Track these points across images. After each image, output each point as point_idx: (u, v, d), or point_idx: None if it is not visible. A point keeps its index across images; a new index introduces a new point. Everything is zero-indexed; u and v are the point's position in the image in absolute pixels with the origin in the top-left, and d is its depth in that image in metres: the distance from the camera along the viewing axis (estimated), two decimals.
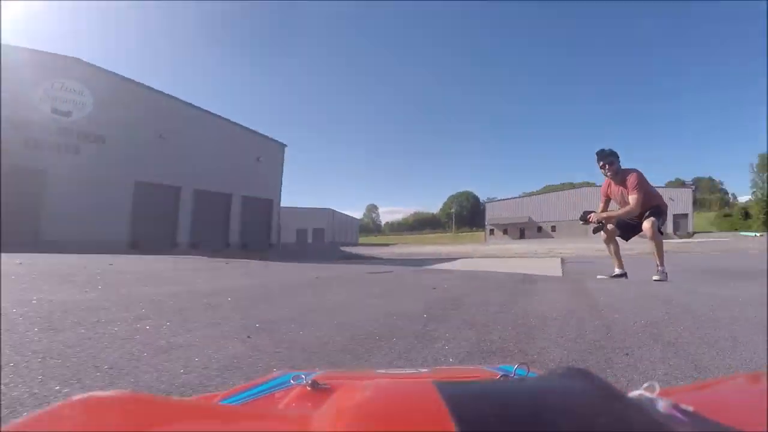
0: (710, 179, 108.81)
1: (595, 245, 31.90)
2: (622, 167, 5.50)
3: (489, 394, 0.35)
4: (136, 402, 0.45)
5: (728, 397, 0.53)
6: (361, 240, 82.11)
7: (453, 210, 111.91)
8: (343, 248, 32.22)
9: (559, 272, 8.66)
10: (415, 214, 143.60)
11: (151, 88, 21.99)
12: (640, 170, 5.41)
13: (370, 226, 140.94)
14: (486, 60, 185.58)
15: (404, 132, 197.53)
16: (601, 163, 5.45)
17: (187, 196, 22.85)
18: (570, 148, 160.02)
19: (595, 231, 5.64)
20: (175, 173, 21.81)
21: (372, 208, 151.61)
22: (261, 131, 29.10)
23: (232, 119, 26.66)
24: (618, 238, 5.72)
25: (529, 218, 59.93)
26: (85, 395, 0.43)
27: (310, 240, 58.37)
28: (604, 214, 5.57)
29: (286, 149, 30.45)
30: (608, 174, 5.47)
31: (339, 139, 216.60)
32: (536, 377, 0.49)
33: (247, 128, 27.59)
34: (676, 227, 53.05)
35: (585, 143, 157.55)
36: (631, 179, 5.29)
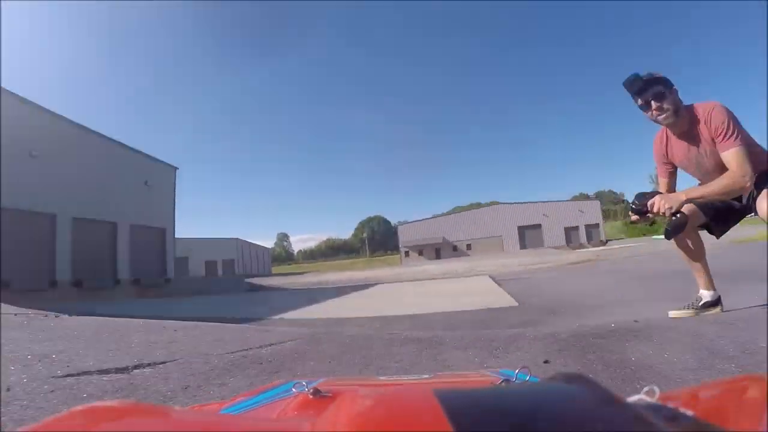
0: (611, 192, 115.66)
1: (514, 260, 31.42)
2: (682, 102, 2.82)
3: (488, 401, 0.36)
4: (137, 411, 0.48)
5: (728, 400, 0.52)
6: (275, 270, 78.34)
7: (365, 235, 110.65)
8: (252, 280, 29.27)
9: (509, 299, 6.68)
10: (328, 240, 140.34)
11: (19, 97, 17.28)
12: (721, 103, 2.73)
13: (283, 256, 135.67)
14: (380, 88, 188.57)
15: (307, 161, 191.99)
16: (642, 100, 2.81)
17: (65, 224, 18.53)
18: (473, 170, 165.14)
19: (671, 233, 2.87)
20: (49, 198, 17.52)
21: (283, 237, 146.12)
22: (151, 153, 25.64)
23: (111, 136, 22.73)
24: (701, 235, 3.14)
25: (443, 238, 59.97)
26: (88, 405, 0.44)
27: (220, 272, 53.66)
28: (682, 195, 2.76)
29: (177, 172, 27.12)
30: (662, 118, 2.80)
31: (240, 168, 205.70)
32: (536, 383, 0.49)
33: (130, 148, 23.86)
34: (589, 237, 55.87)
35: (483, 166, 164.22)
36: (717, 118, 2.65)
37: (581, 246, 51.03)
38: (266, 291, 21.04)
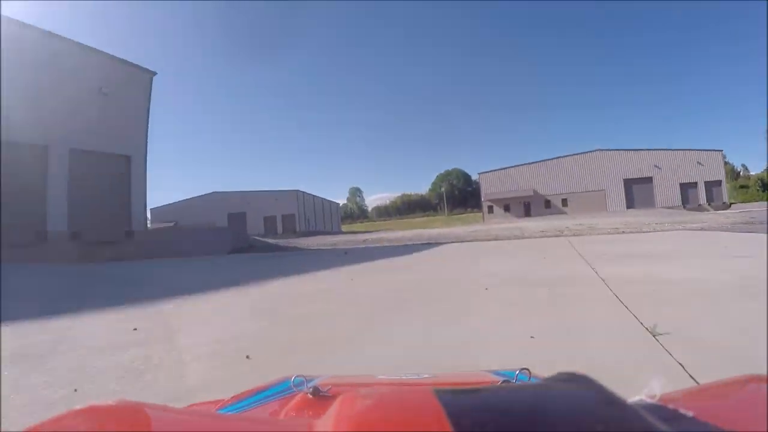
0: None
1: (642, 219, 23.23)
2: None
3: (488, 401, 0.36)
4: (135, 411, 0.47)
5: (729, 401, 0.53)
6: (345, 228, 74.24)
7: (443, 189, 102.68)
8: (278, 241, 23.21)
9: None
10: (403, 195, 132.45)
11: None
12: None
13: (356, 212, 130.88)
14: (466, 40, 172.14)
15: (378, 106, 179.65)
16: None
17: None
18: (564, 119, 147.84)
19: None
20: None
21: (355, 192, 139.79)
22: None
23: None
24: None
25: (534, 191, 51.07)
26: (86, 405, 0.44)
27: (279, 229, 48.98)
28: None
29: (154, 79, 19.62)
30: None
31: (309, 123, 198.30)
32: (537, 383, 0.50)
33: (74, 42, 15.99)
34: (709, 197, 44.72)
35: (583, 112, 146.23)
36: None
37: (701, 208, 40.50)
38: (258, 254, 14.83)
